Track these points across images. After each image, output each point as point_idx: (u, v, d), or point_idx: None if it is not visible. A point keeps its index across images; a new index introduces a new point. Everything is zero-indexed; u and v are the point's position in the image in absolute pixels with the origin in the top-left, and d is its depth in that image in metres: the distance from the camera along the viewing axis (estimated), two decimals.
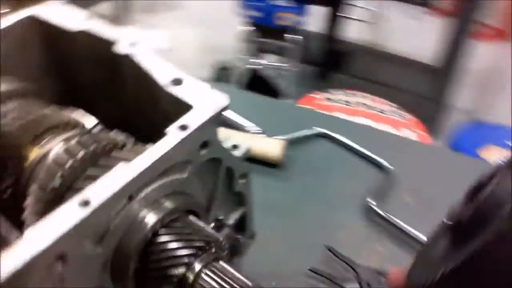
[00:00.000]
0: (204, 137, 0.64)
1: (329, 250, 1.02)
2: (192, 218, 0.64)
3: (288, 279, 1.00)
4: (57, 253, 0.51)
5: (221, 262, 0.60)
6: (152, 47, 0.74)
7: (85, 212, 0.52)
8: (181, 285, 0.58)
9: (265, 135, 1.33)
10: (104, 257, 0.58)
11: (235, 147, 0.80)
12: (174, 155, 0.60)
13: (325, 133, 1.37)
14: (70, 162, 0.64)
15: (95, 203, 0.53)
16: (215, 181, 0.72)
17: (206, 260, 0.59)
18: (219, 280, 0.57)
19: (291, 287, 0.99)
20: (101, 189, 0.54)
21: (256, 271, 0.86)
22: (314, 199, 1.21)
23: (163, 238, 0.60)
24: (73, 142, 0.67)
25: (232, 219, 0.82)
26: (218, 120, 0.65)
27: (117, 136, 0.69)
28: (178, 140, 0.59)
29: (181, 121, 0.61)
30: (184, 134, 0.60)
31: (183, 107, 0.64)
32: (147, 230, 0.59)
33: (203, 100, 0.64)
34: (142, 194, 0.59)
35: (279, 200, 1.20)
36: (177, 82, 0.68)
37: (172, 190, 0.63)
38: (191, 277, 0.57)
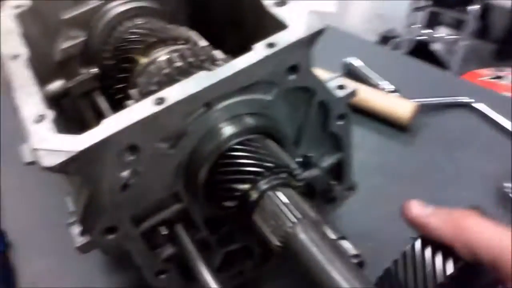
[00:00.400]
0: (293, 60, 0.60)
1: None
2: (270, 142, 0.62)
3: (386, 243, 0.93)
4: (128, 142, 0.54)
5: (289, 189, 0.57)
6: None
7: (157, 108, 0.54)
8: (244, 201, 0.57)
9: (398, 95, 1.23)
10: (177, 159, 0.60)
11: (341, 87, 0.76)
12: (257, 71, 0.58)
13: (467, 103, 1.21)
14: (167, 70, 0.67)
15: (169, 102, 0.54)
16: (306, 113, 0.69)
17: (272, 183, 0.57)
18: (279, 204, 0.55)
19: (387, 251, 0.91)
20: (177, 91, 0.55)
21: (354, 227, 0.81)
22: (438, 171, 1.08)
23: (235, 152, 0.59)
24: (175, 53, 0.70)
25: (326, 162, 0.78)
26: (311, 44, 0.61)
27: (218, 53, 0.70)
28: (262, 56, 0.57)
29: (271, 38, 0.59)
30: (269, 51, 0.58)
31: (280, 27, 0.61)
32: (222, 140, 0.59)
33: (300, 22, 0.61)
34: (221, 105, 0.59)
35: (398, 164, 1.11)
36: (281, 3, 0.65)
37: (255, 109, 0.62)
38: (254, 195, 0.56)
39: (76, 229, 0.61)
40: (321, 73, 1.22)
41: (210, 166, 0.60)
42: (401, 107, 1.16)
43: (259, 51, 0.58)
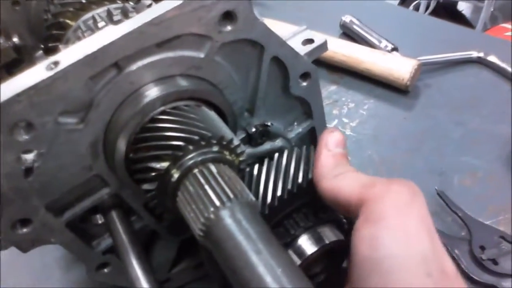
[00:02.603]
0: (226, 6, 0.49)
1: (439, 195, 0.79)
2: (205, 110, 0.51)
3: None
4: (16, 118, 0.44)
5: (220, 165, 0.46)
6: None
7: (49, 73, 0.44)
8: (165, 183, 0.46)
9: (397, 54, 1.09)
10: (90, 135, 0.49)
11: (308, 41, 0.64)
12: (174, 21, 0.47)
13: (478, 58, 1.06)
14: (88, 32, 0.57)
15: (62, 65, 0.44)
16: (258, 74, 0.57)
17: (198, 159, 0.46)
18: (204, 184, 0.44)
19: None
20: (73, 52, 0.45)
21: None
22: (442, 138, 0.95)
23: (156, 124, 0.48)
24: (103, 13, 0.59)
25: (294, 131, 0.66)
26: None
27: None
28: (181, 0, 0.46)
29: None
30: None
31: None
32: (140, 108, 0.48)
33: None
34: (136, 66, 0.48)
35: (397, 131, 0.98)
36: None
37: (184, 70, 0.51)
38: (175, 174, 0.46)
39: None
40: (286, 26, 1.10)
41: (128, 142, 0.49)
42: (400, 66, 1.02)
43: None
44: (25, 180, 0.49)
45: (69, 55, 0.44)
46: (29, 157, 0.48)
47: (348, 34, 1.22)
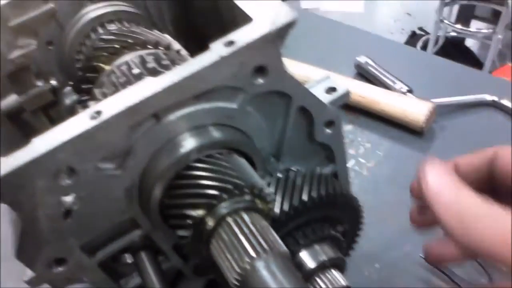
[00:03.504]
0: (259, 60, 0.51)
1: None
2: (237, 158, 0.53)
3: (395, 265, 0.82)
4: (61, 164, 0.46)
5: (253, 214, 0.48)
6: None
7: (93, 123, 0.46)
8: (200, 231, 0.48)
9: (411, 95, 1.11)
10: (127, 181, 0.52)
11: (332, 90, 0.66)
12: (212, 75, 0.49)
13: (492, 101, 1.08)
14: (122, 79, 0.60)
15: (104, 116, 0.46)
16: (285, 122, 0.59)
17: (232, 207, 0.48)
18: (238, 233, 0.46)
19: (396, 273, 0.81)
20: (115, 103, 0.47)
21: (361, 247, 0.71)
22: None
23: (191, 171, 0.51)
24: (137, 59, 0.62)
25: None
26: (281, 41, 0.52)
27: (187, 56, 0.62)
28: (217, 57, 0.49)
29: (231, 35, 0.50)
30: (226, 51, 0.49)
31: (245, 20, 0.53)
32: (176, 157, 0.50)
33: (266, 14, 0.52)
34: (174, 116, 0.50)
35: (413, 173, 0.99)
36: None
37: (218, 120, 0.53)
38: (210, 222, 0.47)
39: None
40: (301, 66, 1.13)
41: (164, 188, 0.51)
42: (415, 109, 1.04)
43: (215, 50, 0.49)
44: (64, 222, 0.51)
45: (111, 105, 0.47)
46: (69, 200, 0.50)
47: (363, 74, 1.25)
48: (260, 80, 0.53)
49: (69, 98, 0.81)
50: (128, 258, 0.62)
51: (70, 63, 0.82)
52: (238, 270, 0.43)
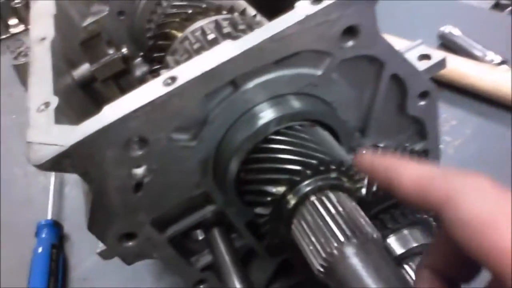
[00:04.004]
0: (350, 20, 0.45)
1: None
2: (320, 131, 0.48)
3: None
4: (132, 133, 0.43)
5: (340, 193, 0.43)
6: None
7: (167, 90, 0.42)
8: (280, 209, 0.44)
9: (506, 68, 1.00)
10: (201, 153, 0.48)
11: (425, 57, 0.59)
12: (298, 36, 0.44)
13: None
14: (196, 45, 0.55)
15: (181, 81, 0.42)
16: (374, 92, 0.53)
17: (317, 185, 0.43)
18: (325, 215, 0.40)
19: None
20: (190, 68, 0.43)
21: None
22: None
23: (271, 145, 0.46)
24: (211, 24, 0.58)
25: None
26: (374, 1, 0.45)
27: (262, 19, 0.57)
28: (302, 16, 0.43)
29: None
30: (315, 8, 0.43)
31: None
32: (254, 129, 0.46)
33: None
34: (253, 84, 0.46)
35: (504, 152, 0.89)
36: None
37: (300, 88, 0.48)
38: (292, 200, 0.43)
39: None
40: (396, 41, 1.03)
41: (241, 162, 0.47)
42: (508, 82, 0.93)
43: (301, 9, 0.44)
44: (135, 195, 0.48)
45: (186, 71, 0.43)
46: (140, 172, 0.47)
47: (448, 45, 1.14)
48: (350, 43, 0.47)
49: (140, 69, 0.78)
50: (200, 235, 0.59)
51: (141, 33, 0.79)
52: (325, 256, 0.38)
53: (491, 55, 1.03)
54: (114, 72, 0.63)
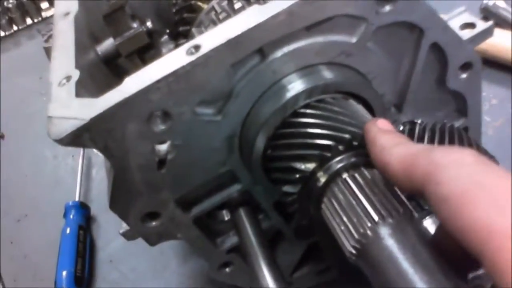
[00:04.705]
0: None
1: None
2: (354, 104, 0.45)
3: None
4: (154, 106, 0.41)
5: (374, 171, 0.40)
6: None
7: (190, 59, 0.40)
8: (309, 187, 0.41)
9: None
10: (227, 128, 0.45)
11: (469, 26, 0.54)
12: (331, 0, 0.40)
13: None
14: (223, 14, 0.53)
15: (205, 49, 0.40)
16: (413, 62, 0.49)
17: (349, 161, 0.39)
18: (358, 193, 0.37)
19: None
20: (214, 36, 0.40)
21: None
22: None
23: (300, 119, 0.43)
24: None
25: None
26: None
27: None
28: None
29: None
30: None
31: None
32: (283, 101, 0.43)
33: None
34: (281, 53, 0.43)
35: None
36: None
37: (333, 58, 0.44)
38: (322, 178, 0.40)
39: None
40: None
41: (269, 138, 0.44)
42: None
43: None
44: (158, 172, 0.46)
45: (210, 39, 0.40)
46: (163, 148, 0.45)
47: (491, 19, 1.07)
48: (388, 8, 0.43)
49: (167, 47, 0.76)
50: (226, 215, 0.56)
51: (167, 7, 0.77)
52: (357, 237, 0.35)
53: None
54: (138, 46, 0.61)
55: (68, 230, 0.83)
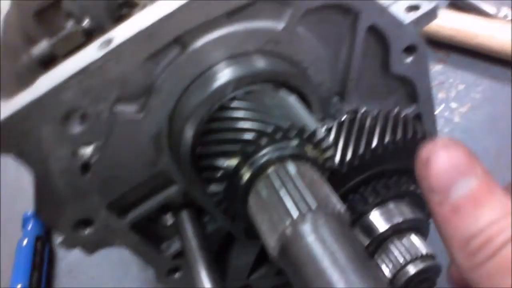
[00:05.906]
0: None
1: None
2: (285, 95, 0.42)
3: None
4: (67, 106, 0.38)
5: (302, 164, 0.37)
6: None
7: (100, 53, 0.37)
8: (235, 186, 0.38)
9: None
10: (153, 126, 0.43)
11: (414, 8, 0.52)
12: None
13: None
14: None
15: (116, 42, 0.37)
16: (351, 48, 0.47)
17: (273, 155, 0.37)
18: (280, 187, 0.35)
19: None
20: (131, 27, 0.38)
21: None
22: None
23: (227, 112, 0.40)
24: None
25: None
26: None
27: None
28: None
29: None
30: None
31: None
32: (208, 94, 0.40)
33: None
34: (202, 42, 0.40)
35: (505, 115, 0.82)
36: None
37: (260, 45, 0.42)
38: (246, 174, 0.37)
39: None
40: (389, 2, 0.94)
41: (196, 133, 0.42)
42: None
43: None
44: (82, 177, 0.43)
45: (123, 31, 0.38)
46: (86, 151, 0.42)
47: (457, 4, 1.05)
48: None
49: None
50: (169, 219, 0.54)
51: (114, 4, 0.74)
52: (276, 236, 0.32)
53: (504, 11, 0.95)
54: (75, 46, 0.58)
55: (24, 242, 0.80)
